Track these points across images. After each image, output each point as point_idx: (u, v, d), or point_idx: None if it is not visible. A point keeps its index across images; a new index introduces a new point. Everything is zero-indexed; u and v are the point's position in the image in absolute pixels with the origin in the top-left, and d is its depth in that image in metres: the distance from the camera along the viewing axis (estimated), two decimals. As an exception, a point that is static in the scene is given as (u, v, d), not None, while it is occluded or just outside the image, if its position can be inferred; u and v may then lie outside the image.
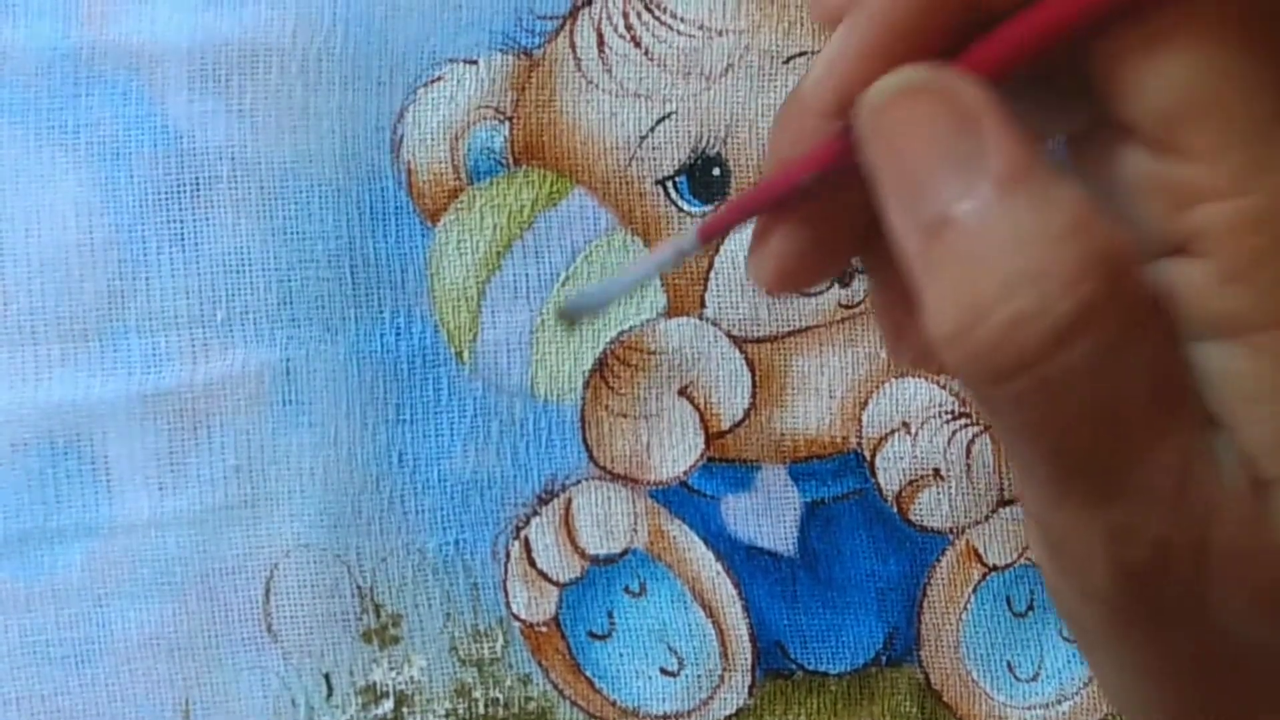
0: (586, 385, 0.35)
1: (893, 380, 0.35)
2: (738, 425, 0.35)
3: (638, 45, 0.35)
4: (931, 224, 0.17)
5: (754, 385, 0.35)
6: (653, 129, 0.35)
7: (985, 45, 0.17)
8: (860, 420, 0.35)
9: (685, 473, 0.35)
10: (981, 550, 0.35)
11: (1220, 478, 0.17)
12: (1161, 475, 0.16)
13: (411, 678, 0.35)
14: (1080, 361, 0.16)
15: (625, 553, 0.35)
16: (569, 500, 0.35)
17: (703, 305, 0.35)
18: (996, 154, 0.16)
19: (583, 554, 0.35)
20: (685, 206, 0.35)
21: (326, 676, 0.35)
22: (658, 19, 0.35)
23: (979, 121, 0.16)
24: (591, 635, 0.35)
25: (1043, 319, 0.16)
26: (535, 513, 0.35)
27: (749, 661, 0.35)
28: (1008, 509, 0.35)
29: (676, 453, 0.35)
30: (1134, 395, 0.16)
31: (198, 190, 0.34)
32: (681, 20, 0.35)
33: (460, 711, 0.35)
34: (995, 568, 0.36)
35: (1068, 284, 0.15)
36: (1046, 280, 0.16)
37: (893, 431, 0.35)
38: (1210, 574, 0.17)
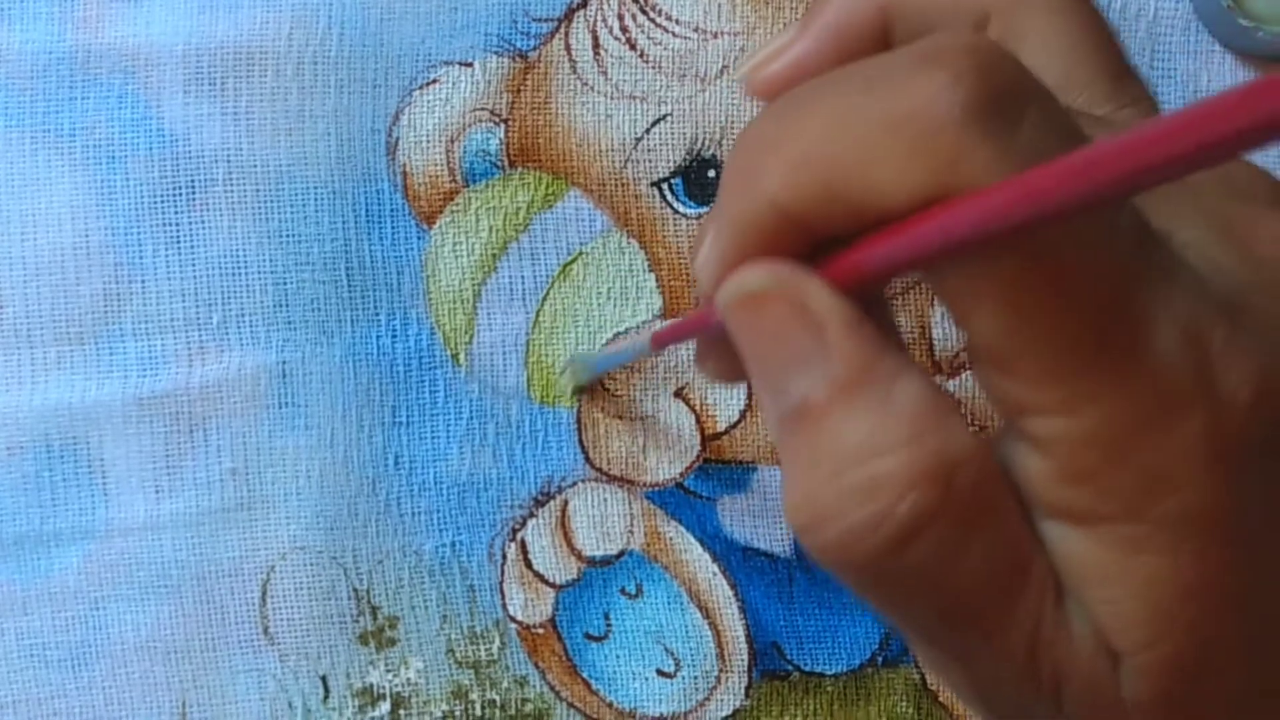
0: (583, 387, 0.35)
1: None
2: (733, 427, 0.35)
3: (633, 47, 0.35)
4: (784, 416, 0.18)
5: (750, 387, 0.35)
6: (648, 131, 0.35)
7: (843, 255, 0.18)
8: (856, 421, 0.35)
9: (681, 474, 0.35)
10: (977, 551, 0.35)
11: (1071, 642, 0.17)
12: (1011, 647, 0.17)
13: (408, 680, 0.35)
14: (915, 564, 0.17)
15: (622, 554, 0.35)
16: (565, 502, 0.35)
17: (698, 307, 0.35)
18: (838, 358, 0.17)
19: (579, 556, 0.35)
20: (681, 208, 0.35)
21: (323, 679, 0.35)
22: (653, 21, 0.35)
23: (823, 325, 0.17)
24: (588, 637, 0.35)
25: (875, 532, 0.17)
26: (532, 514, 0.35)
27: (745, 662, 0.35)
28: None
29: (672, 454, 0.35)
30: (975, 583, 0.17)
31: (193, 193, 0.34)
32: (676, 22, 0.35)
33: (457, 713, 0.35)
34: (991, 568, 0.36)
35: (899, 495, 0.16)
36: (879, 493, 0.17)
37: (888, 433, 0.35)
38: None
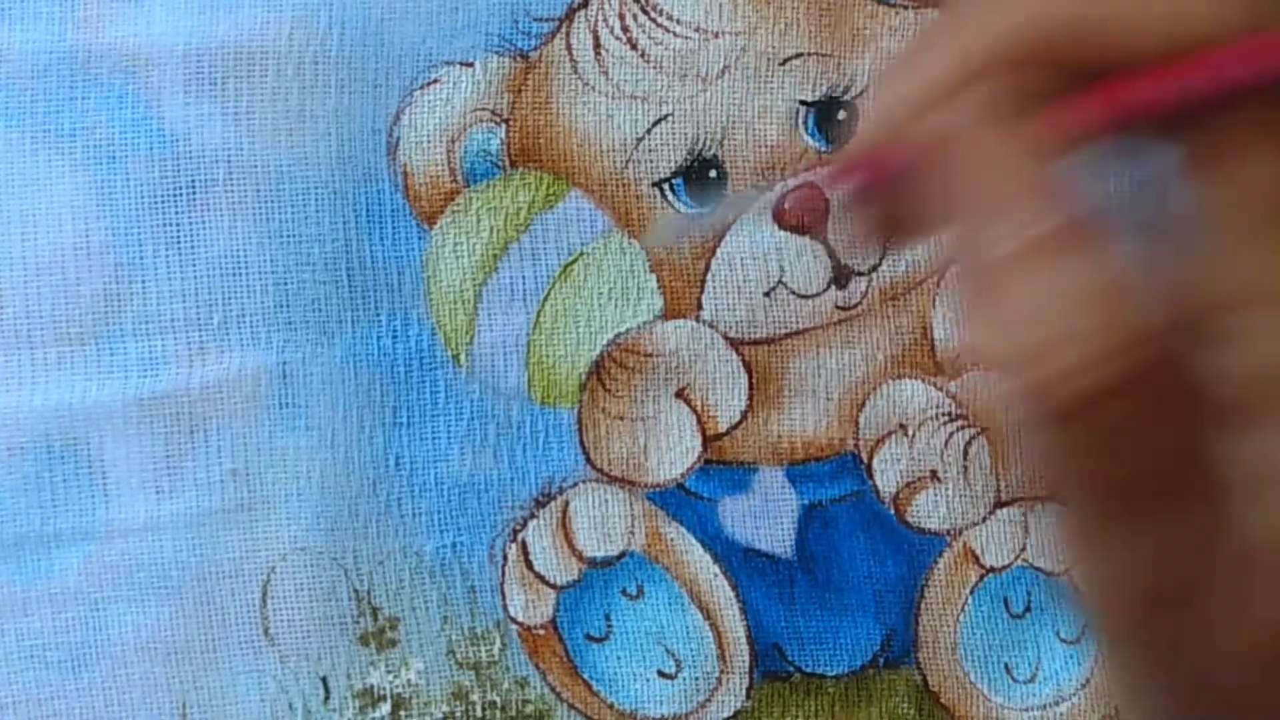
0: (583, 388, 0.35)
1: (889, 382, 0.35)
2: (735, 427, 0.35)
3: (634, 47, 0.35)
4: (986, 261, 0.17)
5: (751, 387, 0.35)
6: (649, 131, 0.35)
7: (1076, 103, 0.17)
8: (857, 422, 0.35)
9: (683, 475, 0.35)
10: (979, 551, 0.35)
11: (1215, 551, 0.17)
12: (1164, 545, 0.17)
13: (409, 681, 0.35)
14: (1108, 425, 0.16)
15: (623, 555, 0.35)
16: (566, 503, 0.35)
17: (700, 307, 0.35)
18: (1053, 211, 0.17)
19: (580, 557, 0.35)
20: (682, 209, 0.35)
21: (324, 680, 0.35)
22: (654, 21, 0.35)
23: (1039, 176, 0.17)
24: (589, 638, 0.35)
25: (1081, 378, 0.16)
26: (532, 515, 0.35)
27: (746, 664, 0.35)
28: (1005, 510, 0.35)
29: (674, 455, 0.35)
30: (1157, 460, 0.17)
31: (194, 193, 0.34)
32: (677, 22, 0.35)
33: (458, 715, 0.35)
34: (993, 569, 0.36)
35: (1118, 349, 0.16)
36: (1089, 343, 0.16)
37: (890, 433, 0.35)
38: (1191, 631, 0.18)
